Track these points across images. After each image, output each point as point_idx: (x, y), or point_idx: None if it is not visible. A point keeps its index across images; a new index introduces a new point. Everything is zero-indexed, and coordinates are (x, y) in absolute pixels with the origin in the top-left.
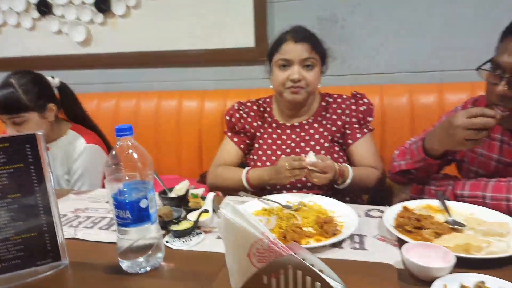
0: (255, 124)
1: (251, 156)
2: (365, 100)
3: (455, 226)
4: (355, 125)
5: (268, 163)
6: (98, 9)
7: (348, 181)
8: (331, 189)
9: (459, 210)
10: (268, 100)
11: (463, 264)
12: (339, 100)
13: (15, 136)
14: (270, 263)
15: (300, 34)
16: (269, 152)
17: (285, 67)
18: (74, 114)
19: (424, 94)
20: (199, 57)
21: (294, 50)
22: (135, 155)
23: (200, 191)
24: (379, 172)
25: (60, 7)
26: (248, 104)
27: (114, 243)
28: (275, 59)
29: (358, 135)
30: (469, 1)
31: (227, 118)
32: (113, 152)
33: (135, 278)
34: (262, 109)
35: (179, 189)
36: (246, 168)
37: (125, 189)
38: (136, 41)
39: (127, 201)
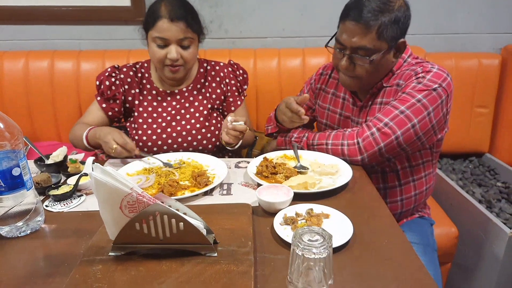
0: (132, 91)
1: (132, 125)
2: (241, 71)
3: (301, 170)
4: (235, 93)
5: (149, 131)
6: None
7: (238, 145)
8: (212, 150)
9: (307, 157)
10: (146, 65)
11: (302, 198)
12: (217, 67)
13: None
14: (140, 212)
15: (176, 13)
16: (149, 120)
17: (162, 45)
18: None
19: (290, 58)
20: (69, 15)
21: (170, 29)
22: (1, 126)
23: (80, 156)
24: (252, 131)
25: None
26: (124, 69)
27: None
28: (152, 35)
29: (239, 103)
30: None
31: (97, 83)
32: None
33: (16, 241)
34: (139, 74)
35: (56, 156)
36: (88, 128)
37: None
38: None
39: None
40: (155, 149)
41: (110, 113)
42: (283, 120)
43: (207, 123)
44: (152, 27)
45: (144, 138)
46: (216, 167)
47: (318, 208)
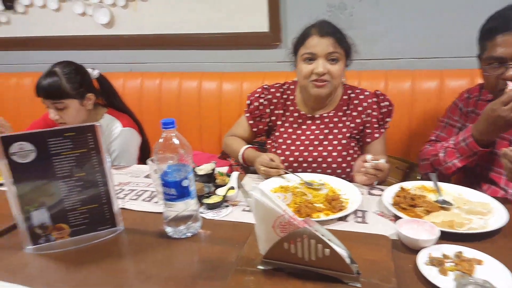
0: (276, 111)
1: (272, 143)
2: (386, 103)
3: (444, 205)
4: (375, 125)
5: (287, 152)
6: None
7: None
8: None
9: (449, 190)
10: (292, 86)
11: (447, 238)
12: (361, 96)
13: (79, 126)
14: (290, 233)
15: (325, 29)
16: (288, 141)
17: (310, 60)
18: (111, 101)
19: (425, 80)
20: (215, 41)
21: (319, 44)
22: (178, 143)
23: (224, 169)
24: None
25: None
26: (272, 90)
27: (157, 213)
28: (300, 52)
29: (376, 135)
30: None
31: (248, 102)
32: (160, 141)
33: (179, 242)
34: (285, 96)
35: (207, 167)
36: (245, 147)
37: (170, 171)
38: (156, 23)
39: (171, 180)
40: (290, 170)
41: (255, 129)
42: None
43: (344, 152)
44: (302, 45)
45: (282, 158)
46: (349, 192)
47: (469, 251)
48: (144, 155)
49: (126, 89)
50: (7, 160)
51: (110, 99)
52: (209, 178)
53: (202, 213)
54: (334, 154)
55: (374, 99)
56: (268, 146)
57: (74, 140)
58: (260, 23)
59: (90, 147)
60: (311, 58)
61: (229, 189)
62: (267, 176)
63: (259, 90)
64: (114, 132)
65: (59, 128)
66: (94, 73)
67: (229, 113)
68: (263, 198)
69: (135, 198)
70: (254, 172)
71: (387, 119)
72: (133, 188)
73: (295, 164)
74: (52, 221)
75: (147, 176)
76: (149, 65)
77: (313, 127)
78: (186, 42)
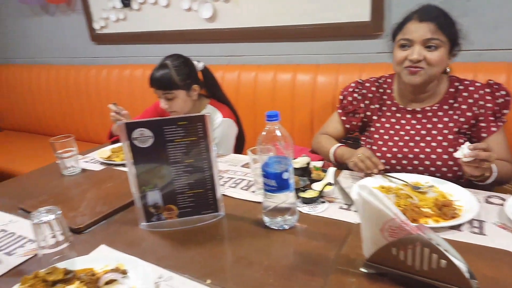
0: (372, 106)
1: (367, 139)
2: (502, 92)
3: None
4: (490, 118)
5: (384, 148)
6: None
7: (491, 179)
8: (451, 179)
9: None
10: (389, 80)
11: None
12: (471, 88)
13: (191, 116)
14: (400, 238)
15: (427, 13)
16: (386, 137)
17: (405, 46)
18: (213, 93)
19: None
20: (312, 32)
21: (417, 29)
22: (280, 136)
23: (319, 163)
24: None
25: None
26: (367, 84)
27: (254, 201)
28: (397, 38)
29: (493, 129)
30: None
31: (341, 97)
32: (263, 133)
33: (276, 232)
34: (381, 90)
35: (301, 161)
36: (337, 144)
37: (270, 163)
38: (255, 17)
39: (272, 172)
40: (387, 167)
41: (347, 126)
42: None
43: (450, 149)
44: (399, 31)
45: (378, 154)
46: (462, 199)
47: None
48: (238, 145)
49: (224, 81)
50: (130, 142)
51: (212, 90)
52: (304, 171)
53: (297, 206)
54: (439, 150)
55: (487, 90)
56: (363, 142)
57: (186, 128)
58: (361, 12)
59: (199, 135)
60: (407, 44)
61: (326, 184)
62: (355, 166)
63: (353, 84)
64: (216, 122)
65: (173, 117)
66: (199, 65)
67: (322, 107)
68: (371, 198)
69: (233, 186)
70: (347, 169)
71: (505, 111)
72: (232, 176)
73: (393, 161)
74: (164, 202)
75: (244, 166)
76: (246, 58)
77: (414, 122)
78: (283, 34)
